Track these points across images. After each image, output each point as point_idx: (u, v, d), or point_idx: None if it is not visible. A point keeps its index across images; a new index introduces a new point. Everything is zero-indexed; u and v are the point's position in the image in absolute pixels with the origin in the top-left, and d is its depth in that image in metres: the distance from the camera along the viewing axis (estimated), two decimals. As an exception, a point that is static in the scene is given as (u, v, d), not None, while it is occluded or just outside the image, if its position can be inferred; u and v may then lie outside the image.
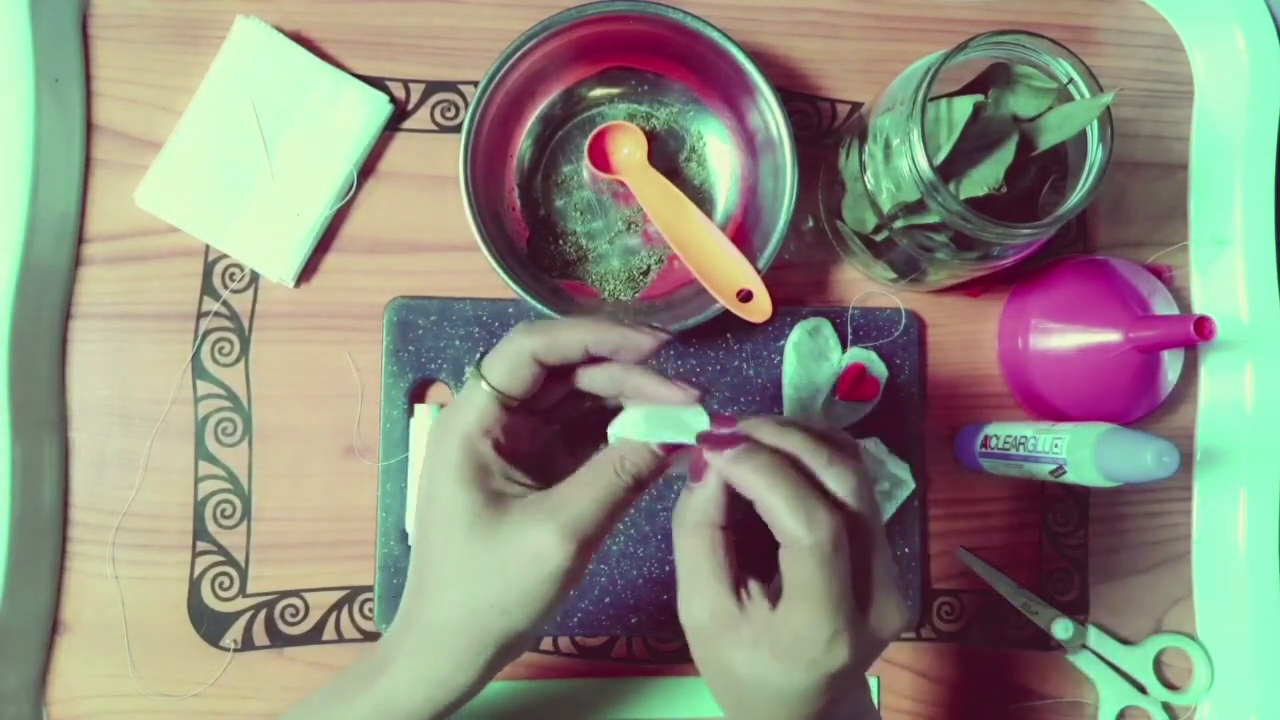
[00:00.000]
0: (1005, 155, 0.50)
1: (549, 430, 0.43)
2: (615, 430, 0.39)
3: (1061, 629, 0.59)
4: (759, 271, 0.55)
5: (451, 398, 0.57)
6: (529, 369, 0.39)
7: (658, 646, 0.58)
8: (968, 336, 0.62)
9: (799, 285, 0.60)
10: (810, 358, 0.59)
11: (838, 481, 0.37)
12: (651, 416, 0.39)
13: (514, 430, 0.40)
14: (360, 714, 0.39)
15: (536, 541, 0.37)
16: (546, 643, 0.58)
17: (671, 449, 0.39)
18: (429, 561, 0.39)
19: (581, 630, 0.58)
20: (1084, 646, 0.60)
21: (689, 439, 0.39)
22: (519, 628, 0.38)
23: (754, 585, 0.38)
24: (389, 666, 0.39)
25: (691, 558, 0.38)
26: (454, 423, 0.39)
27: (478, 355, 0.43)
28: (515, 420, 0.40)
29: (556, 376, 0.41)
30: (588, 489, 0.38)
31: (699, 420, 0.39)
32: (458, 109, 0.59)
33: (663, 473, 0.39)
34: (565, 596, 0.38)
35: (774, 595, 0.38)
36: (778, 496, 0.36)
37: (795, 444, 0.38)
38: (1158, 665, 0.61)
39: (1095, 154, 0.49)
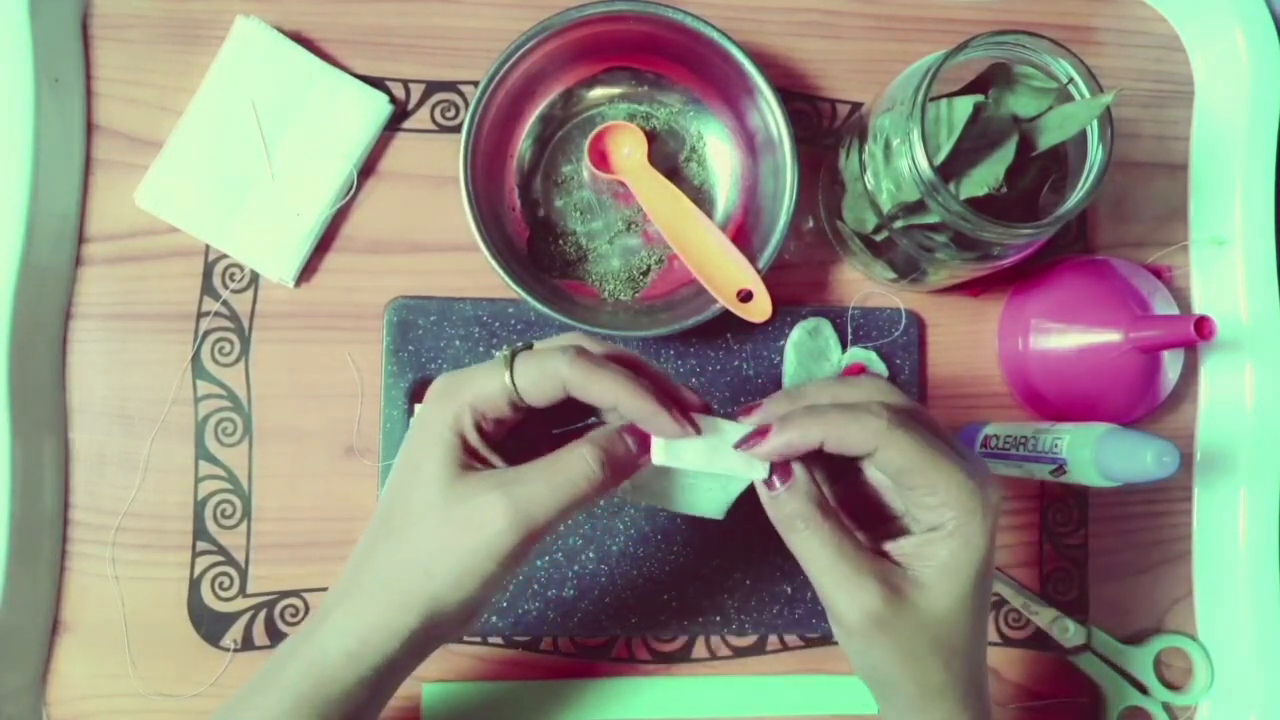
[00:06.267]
0: (1005, 155, 0.50)
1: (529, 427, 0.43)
2: (661, 458, 0.39)
3: (1061, 629, 0.59)
4: (759, 271, 0.55)
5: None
6: (554, 391, 0.39)
7: (658, 646, 0.58)
8: (968, 336, 0.62)
9: (799, 285, 0.60)
10: (810, 358, 0.59)
11: (861, 394, 0.40)
12: (707, 450, 0.39)
13: (503, 422, 0.40)
14: (292, 678, 0.39)
15: (481, 510, 0.37)
16: (546, 643, 0.58)
17: (644, 450, 0.39)
18: (389, 517, 0.40)
19: (581, 630, 0.58)
20: (1084, 647, 0.60)
21: (755, 474, 0.40)
22: (443, 596, 0.38)
23: (887, 544, 0.40)
24: (323, 621, 0.39)
25: (819, 561, 0.39)
26: (462, 392, 0.39)
27: (517, 342, 0.46)
28: (511, 415, 0.40)
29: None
30: (547, 472, 0.38)
31: (757, 468, 0.40)
32: (458, 109, 0.59)
33: (632, 472, 0.40)
34: (499, 580, 0.38)
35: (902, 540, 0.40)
36: (836, 421, 0.38)
37: (810, 395, 0.41)
38: (1158, 665, 0.61)
39: (1095, 154, 0.49)
